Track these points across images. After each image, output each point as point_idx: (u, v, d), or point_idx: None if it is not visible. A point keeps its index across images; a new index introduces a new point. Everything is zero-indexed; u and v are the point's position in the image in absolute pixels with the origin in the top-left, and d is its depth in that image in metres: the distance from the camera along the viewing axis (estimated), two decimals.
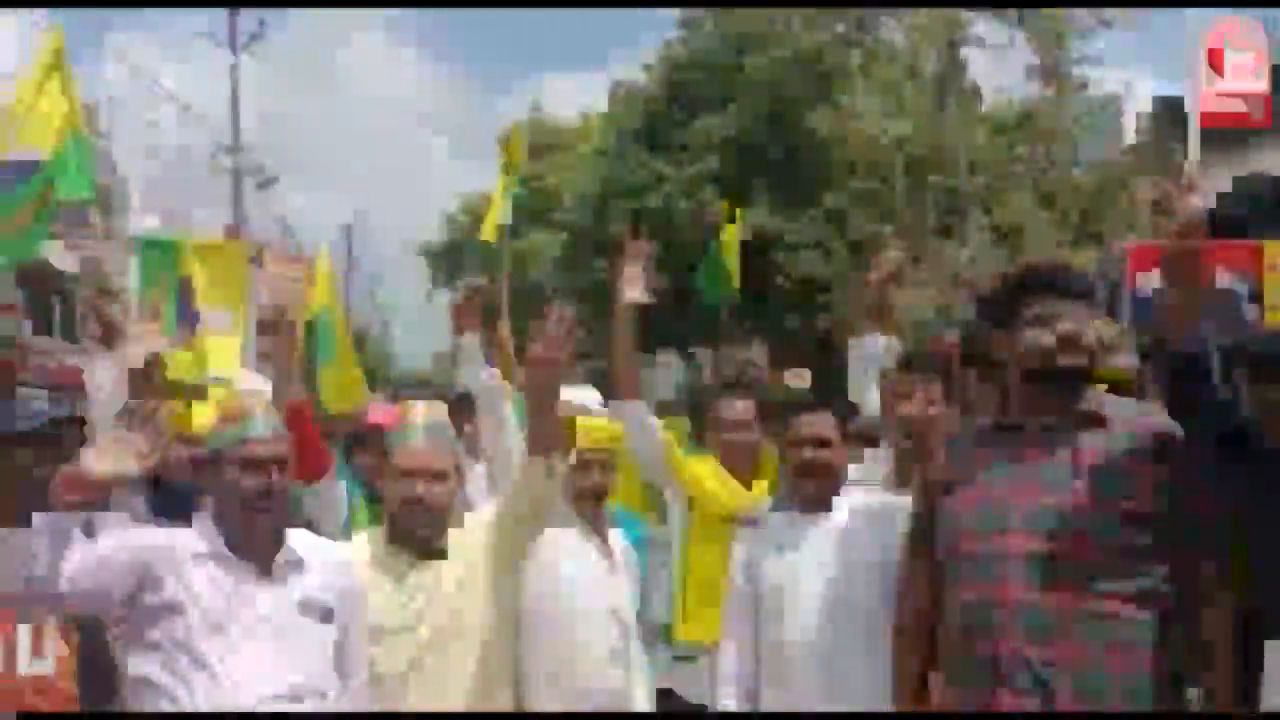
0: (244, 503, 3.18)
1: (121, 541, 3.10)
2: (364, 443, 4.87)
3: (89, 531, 3.03)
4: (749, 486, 4.42)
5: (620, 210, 23.15)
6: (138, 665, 3.10)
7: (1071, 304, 3.07)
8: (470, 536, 3.63)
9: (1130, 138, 18.96)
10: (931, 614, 3.26)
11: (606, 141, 25.39)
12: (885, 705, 3.48)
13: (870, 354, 4.56)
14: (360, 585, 3.44)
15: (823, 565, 3.88)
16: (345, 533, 4.16)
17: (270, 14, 27.83)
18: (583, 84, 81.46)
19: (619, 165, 23.95)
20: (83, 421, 3.90)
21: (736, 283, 9.82)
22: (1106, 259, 12.86)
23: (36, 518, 2.87)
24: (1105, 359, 3.56)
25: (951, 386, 4.08)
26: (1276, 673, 2.70)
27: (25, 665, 3.32)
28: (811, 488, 3.96)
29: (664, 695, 4.46)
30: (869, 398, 4.48)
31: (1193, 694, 3.06)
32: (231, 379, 5.07)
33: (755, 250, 16.17)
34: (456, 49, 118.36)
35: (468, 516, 3.72)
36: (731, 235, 9.80)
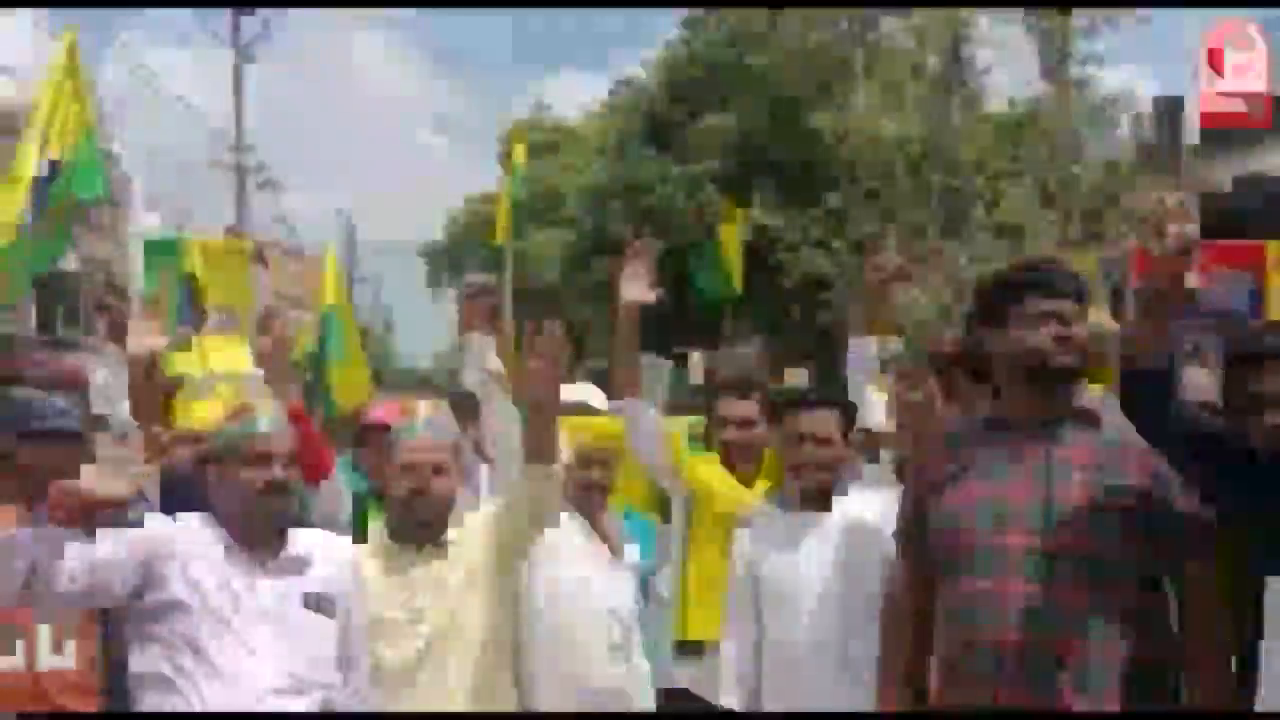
0: (249, 497, 3.20)
1: (123, 539, 3.09)
2: (369, 440, 4.89)
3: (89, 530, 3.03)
4: (752, 485, 4.43)
5: (623, 209, 23.15)
6: (141, 660, 3.12)
7: (1066, 302, 3.09)
8: (471, 536, 3.65)
9: (1128, 138, 18.96)
10: (920, 608, 3.27)
11: (609, 141, 25.39)
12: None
13: (865, 356, 4.58)
14: (362, 578, 3.46)
15: (823, 562, 3.90)
16: (349, 531, 4.18)
17: (273, 13, 27.82)
18: (585, 83, 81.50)
19: (621, 164, 23.94)
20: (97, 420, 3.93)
21: (739, 281, 9.82)
22: (1109, 259, 12.88)
23: (22, 533, 2.90)
24: (1104, 357, 3.57)
25: (956, 385, 4.09)
26: (1273, 673, 2.70)
27: (45, 660, 3.34)
28: (812, 484, 3.98)
29: (679, 695, 4.47)
30: (865, 399, 4.50)
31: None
32: (237, 376, 5.09)
33: (757, 249, 16.20)
34: (459, 48, 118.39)
35: (470, 515, 3.73)
36: (731, 233, 9.81)
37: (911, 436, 4.00)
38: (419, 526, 3.60)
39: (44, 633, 3.33)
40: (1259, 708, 2.88)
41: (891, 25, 20.57)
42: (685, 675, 4.42)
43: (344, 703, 3.30)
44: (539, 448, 3.63)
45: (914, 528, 3.27)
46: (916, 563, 3.28)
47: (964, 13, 18.53)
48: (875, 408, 4.54)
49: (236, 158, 26.81)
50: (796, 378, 10.27)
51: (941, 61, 19.04)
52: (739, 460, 4.48)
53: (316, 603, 3.25)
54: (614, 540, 4.40)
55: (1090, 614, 2.95)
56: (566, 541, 4.18)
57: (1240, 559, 2.95)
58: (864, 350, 4.61)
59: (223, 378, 5.09)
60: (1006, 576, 2.99)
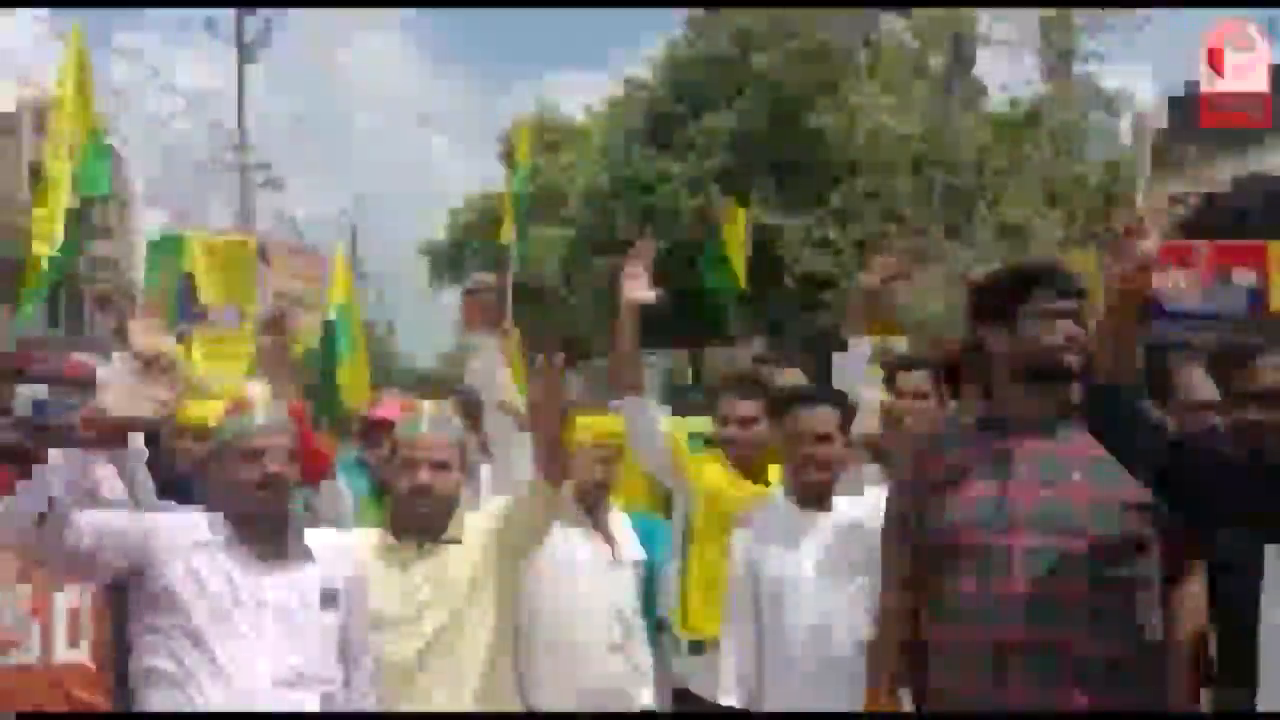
0: (246, 492, 3.23)
1: (130, 521, 3.15)
2: (374, 437, 4.90)
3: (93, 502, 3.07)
4: (756, 483, 4.44)
5: (626, 207, 23.13)
6: (144, 653, 3.15)
7: (1074, 301, 3.09)
8: (475, 535, 3.66)
9: (1129, 137, 18.93)
10: (911, 607, 3.28)
11: (612, 139, 25.37)
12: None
13: (858, 357, 4.59)
14: (364, 572, 3.48)
15: (823, 560, 3.90)
16: (351, 530, 4.19)
17: (276, 11, 27.91)
18: (588, 81, 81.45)
19: (624, 162, 23.92)
20: None
21: (742, 279, 9.81)
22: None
23: (53, 453, 2.93)
24: None
25: (957, 383, 4.10)
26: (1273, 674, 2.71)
27: (61, 654, 3.37)
28: (812, 482, 3.99)
29: (681, 695, 4.48)
30: (861, 399, 4.51)
31: None
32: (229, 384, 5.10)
33: (759, 248, 16.17)
34: (461, 47, 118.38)
35: (472, 515, 3.74)
36: (734, 232, 9.80)
37: (901, 436, 4.01)
38: (422, 523, 3.61)
39: (60, 627, 3.36)
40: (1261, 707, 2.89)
41: (893, 24, 20.55)
42: (687, 673, 4.43)
43: (347, 699, 3.32)
44: (547, 469, 3.66)
45: (907, 527, 3.27)
46: (909, 562, 3.29)
47: (965, 11, 18.51)
48: (867, 409, 4.55)
49: (239, 156, 26.84)
50: (793, 377, 10.26)
51: (944, 60, 19.03)
52: (742, 458, 4.49)
53: (318, 595, 3.27)
54: (616, 538, 4.40)
55: (1093, 612, 2.97)
56: (567, 539, 4.19)
57: (1226, 568, 2.97)
58: (857, 352, 4.63)
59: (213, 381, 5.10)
60: (1009, 576, 3.00)
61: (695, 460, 4.59)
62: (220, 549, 3.19)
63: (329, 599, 3.29)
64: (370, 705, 3.40)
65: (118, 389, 2.96)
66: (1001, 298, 3.15)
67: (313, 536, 3.38)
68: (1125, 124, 19.03)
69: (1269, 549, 2.82)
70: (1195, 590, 3.18)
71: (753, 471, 4.48)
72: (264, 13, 26.88)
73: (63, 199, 5.29)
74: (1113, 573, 2.99)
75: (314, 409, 4.83)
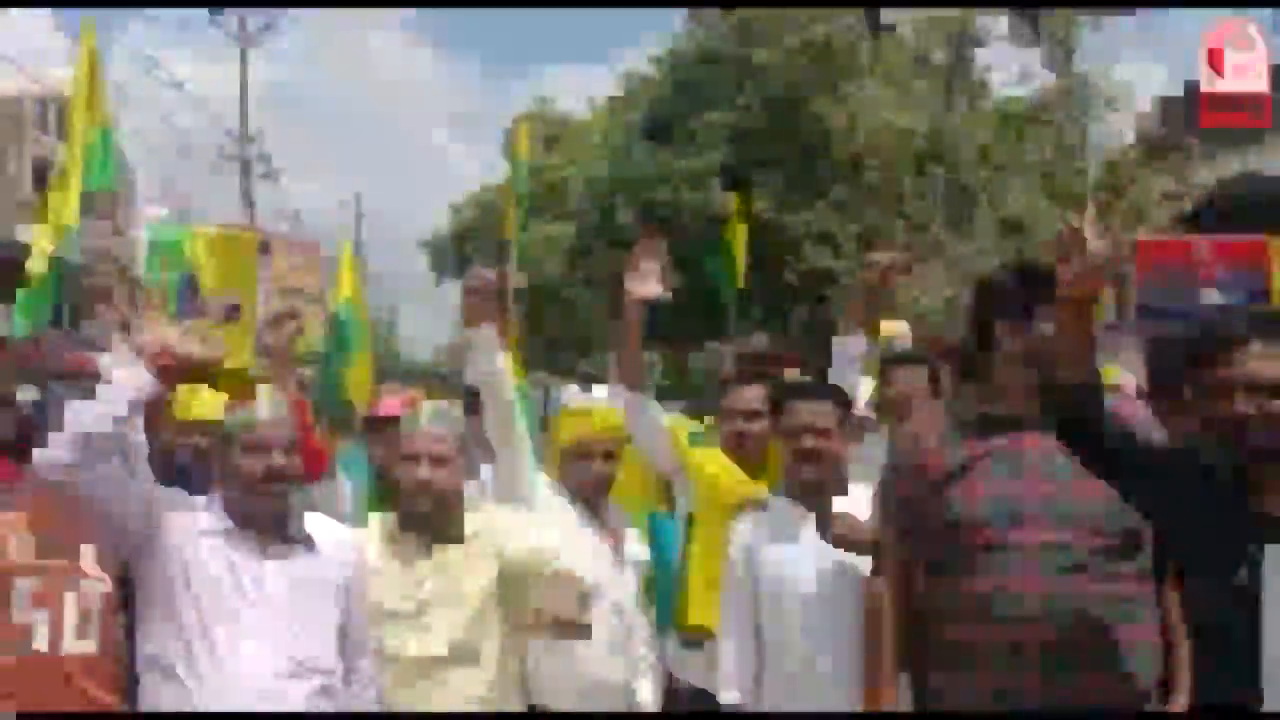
0: (250, 484, 3.25)
1: (147, 489, 3.24)
2: (378, 432, 4.90)
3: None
4: (758, 476, 4.45)
5: (628, 202, 23.13)
6: (146, 640, 3.18)
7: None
8: (488, 547, 3.66)
9: (1131, 133, 18.93)
10: (910, 605, 3.29)
11: (614, 133, 25.36)
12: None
13: (851, 353, 4.59)
14: (367, 565, 3.50)
15: (821, 555, 3.91)
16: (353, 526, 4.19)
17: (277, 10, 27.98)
18: (590, 76, 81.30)
19: (626, 157, 23.92)
20: None
21: (741, 279, 9.82)
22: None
23: (119, 373, 3.11)
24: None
25: (959, 379, 4.10)
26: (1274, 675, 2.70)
27: (71, 644, 3.38)
28: (810, 476, 3.99)
29: (699, 695, 4.48)
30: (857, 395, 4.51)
31: None
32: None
33: (761, 243, 16.17)
34: (464, 41, 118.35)
35: (488, 533, 3.73)
36: (737, 231, 9.81)
37: (899, 433, 4.01)
38: (424, 518, 3.62)
39: (69, 617, 3.37)
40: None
41: (895, 17, 20.54)
42: (688, 666, 4.44)
43: (348, 693, 3.33)
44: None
45: (906, 524, 3.27)
46: (910, 559, 3.29)
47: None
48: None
49: (241, 149, 26.84)
50: (793, 373, 10.26)
51: (946, 55, 19.02)
52: (745, 451, 4.50)
53: (319, 586, 3.29)
54: (616, 533, 4.40)
55: (1109, 605, 3.00)
56: (568, 534, 4.19)
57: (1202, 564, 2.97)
58: (850, 347, 4.63)
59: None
60: (1025, 573, 3.02)
61: (695, 453, 4.59)
62: (223, 538, 3.23)
63: (329, 591, 3.31)
64: (370, 700, 3.42)
65: (165, 333, 3.12)
66: (1016, 296, 3.14)
67: (314, 528, 3.40)
68: (1127, 120, 19.03)
69: (1269, 556, 2.81)
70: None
71: (757, 464, 4.48)
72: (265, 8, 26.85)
73: (76, 195, 5.33)
74: (1120, 568, 3.03)
75: (313, 405, 4.82)
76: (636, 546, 4.47)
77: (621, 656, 4.26)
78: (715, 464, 4.50)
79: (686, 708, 4.47)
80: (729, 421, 4.56)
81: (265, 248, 6.49)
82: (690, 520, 4.55)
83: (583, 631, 3.74)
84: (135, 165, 30.07)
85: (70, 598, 3.40)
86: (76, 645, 3.40)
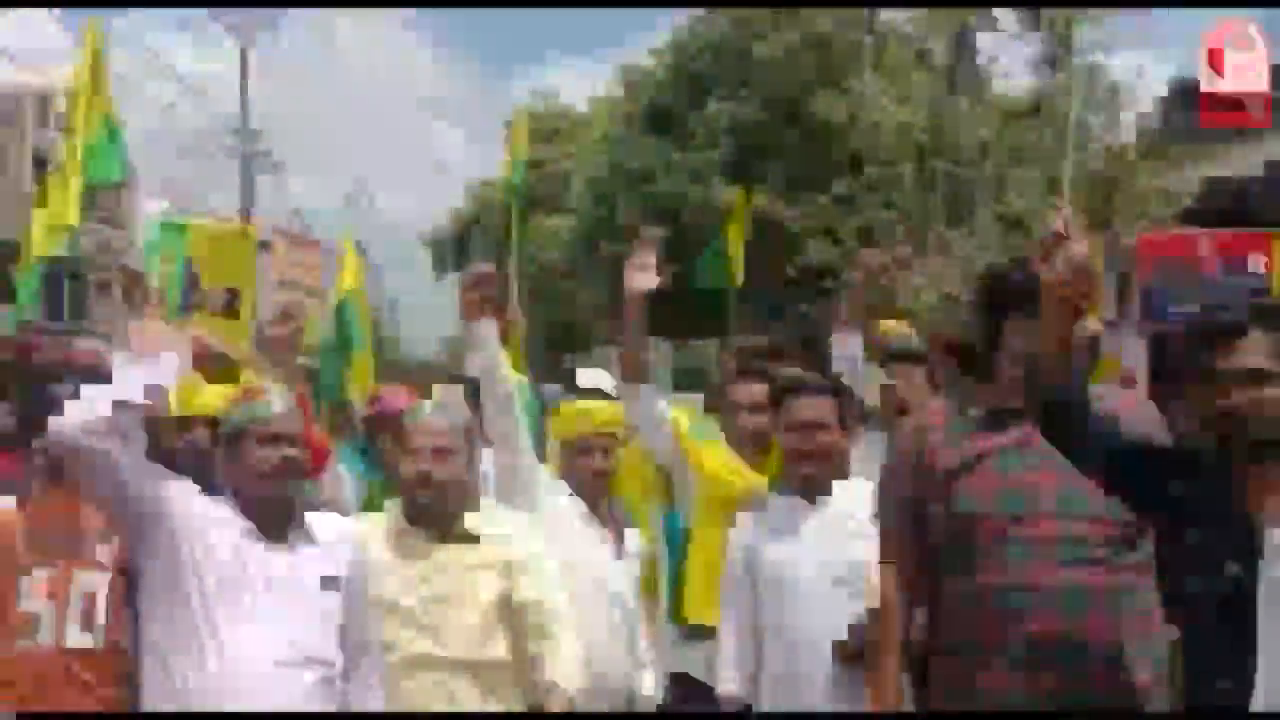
0: (264, 475, 3.27)
1: (159, 472, 3.27)
2: (384, 429, 4.90)
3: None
4: (762, 470, 4.45)
5: (628, 196, 23.13)
6: (150, 627, 3.19)
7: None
8: (494, 574, 3.67)
9: (1132, 128, 18.91)
10: (914, 599, 3.30)
11: (614, 127, 25.35)
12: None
13: (851, 350, 4.60)
14: (370, 558, 3.51)
15: (822, 551, 3.91)
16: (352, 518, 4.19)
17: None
18: (592, 69, 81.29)
19: (628, 151, 23.92)
20: None
21: (739, 276, 9.82)
22: (1114, 248, 12.86)
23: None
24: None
25: (961, 374, 4.09)
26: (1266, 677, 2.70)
27: (75, 637, 3.39)
28: (810, 471, 3.98)
29: (683, 681, 4.48)
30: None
31: None
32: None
33: (761, 237, 16.16)
34: (465, 34, 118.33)
35: (497, 540, 3.73)
36: (737, 231, 9.80)
37: (902, 428, 4.00)
38: (428, 511, 3.62)
39: (74, 611, 3.38)
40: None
41: (891, 16, 20.53)
42: (688, 659, 4.45)
43: (354, 687, 3.35)
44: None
45: (911, 518, 3.27)
46: (914, 553, 3.29)
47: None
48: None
49: (241, 143, 26.83)
50: (793, 368, 10.25)
51: (948, 49, 19.01)
52: (748, 445, 4.50)
53: (322, 578, 3.31)
54: (617, 527, 4.40)
55: (1115, 598, 3.03)
56: (568, 527, 4.19)
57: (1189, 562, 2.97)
58: (849, 343, 4.64)
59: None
60: (1039, 565, 3.04)
61: (696, 447, 4.60)
62: (229, 527, 3.25)
63: (330, 582, 3.32)
64: (377, 696, 3.42)
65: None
66: (1022, 290, 3.14)
67: (319, 521, 3.42)
68: (1128, 114, 19.01)
69: (1267, 550, 2.80)
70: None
71: (759, 458, 4.48)
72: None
73: (77, 191, 5.35)
74: (1126, 559, 3.06)
75: (313, 399, 4.83)
76: (637, 540, 4.47)
77: (623, 650, 4.26)
78: (716, 457, 4.51)
79: (686, 701, 4.48)
80: (732, 415, 4.57)
81: (265, 243, 6.50)
82: (689, 513, 4.56)
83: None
84: (135, 160, 30.06)
85: (75, 590, 3.41)
86: (81, 638, 3.40)
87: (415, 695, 3.52)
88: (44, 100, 32.11)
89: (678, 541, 4.61)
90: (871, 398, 4.56)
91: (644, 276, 4.33)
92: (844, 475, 4.07)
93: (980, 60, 20.04)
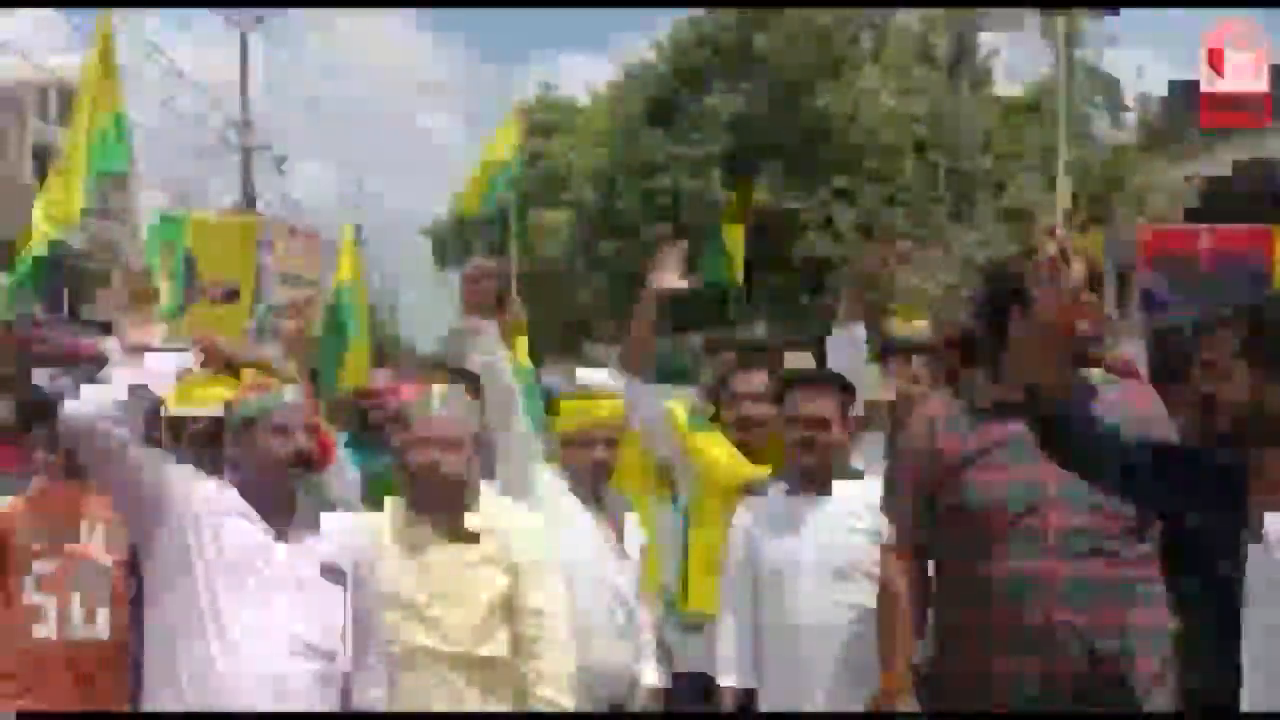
0: (276, 464, 3.29)
1: (166, 459, 3.28)
2: (398, 421, 4.91)
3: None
4: (762, 463, 4.45)
5: (629, 189, 23.09)
6: (154, 616, 3.20)
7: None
8: (498, 571, 3.67)
9: (1134, 121, 18.89)
10: (922, 590, 3.32)
11: (615, 120, 25.30)
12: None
13: (852, 343, 4.60)
14: (375, 552, 3.51)
15: (822, 545, 3.91)
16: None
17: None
18: (592, 62, 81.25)
19: (628, 144, 23.87)
20: None
21: (740, 274, 9.83)
22: (1115, 242, 12.85)
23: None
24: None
25: (966, 366, 4.09)
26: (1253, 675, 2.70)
27: (78, 630, 3.39)
28: (811, 465, 3.99)
29: (699, 680, 4.49)
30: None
31: None
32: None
33: (762, 231, 16.16)
34: (465, 27, 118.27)
35: (501, 535, 3.73)
36: (737, 229, 9.81)
37: (908, 420, 4.00)
38: (435, 504, 3.63)
39: (77, 602, 3.39)
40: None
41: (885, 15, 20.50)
42: (689, 651, 4.46)
43: (360, 680, 3.37)
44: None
45: (918, 509, 3.28)
46: (922, 544, 3.29)
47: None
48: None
49: (241, 137, 26.81)
50: (797, 360, 10.27)
51: (949, 43, 18.98)
52: (750, 435, 4.51)
53: (328, 570, 3.32)
54: (617, 519, 4.40)
55: (1124, 588, 3.06)
56: (568, 521, 4.19)
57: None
58: (850, 336, 4.64)
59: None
60: (1049, 557, 3.06)
61: (696, 437, 4.60)
62: (235, 517, 3.26)
63: (335, 574, 3.33)
64: (381, 688, 3.43)
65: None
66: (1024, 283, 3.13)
67: (324, 514, 3.44)
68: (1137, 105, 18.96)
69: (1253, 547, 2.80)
70: None
71: (761, 449, 4.49)
72: None
73: (81, 182, 5.36)
74: (1134, 551, 3.08)
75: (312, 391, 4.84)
76: (637, 532, 4.48)
77: (624, 642, 4.26)
78: (716, 447, 4.51)
79: (687, 692, 4.49)
80: (734, 406, 4.58)
81: (266, 236, 6.50)
82: (690, 505, 4.56)
83: None
84: (136, 152, 30.02)
85: (78, 582, 3.41)
86: (86, 631, 3.41)
87: (415, 688, 3.53)
88: (44, 92, 32.09)
89: (678, 532, 4.61)
90: (873, 394, 4.56)
91: (667, 276, 4.36)
92: (845, 469, 4.07)
93: (981, 54, 20.01)
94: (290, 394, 3.40)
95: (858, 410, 4.32)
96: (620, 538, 4.37)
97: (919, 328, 4.99)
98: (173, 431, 4.28)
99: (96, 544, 3.58)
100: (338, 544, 3.39)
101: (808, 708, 3.88)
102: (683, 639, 4.52)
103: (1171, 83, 19.42)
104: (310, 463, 3.39)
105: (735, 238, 9.67)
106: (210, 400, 4.14)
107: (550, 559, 3.80)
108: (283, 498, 3.33)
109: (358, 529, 3.53)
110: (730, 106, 22.34)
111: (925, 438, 3.32)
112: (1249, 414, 2.64)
